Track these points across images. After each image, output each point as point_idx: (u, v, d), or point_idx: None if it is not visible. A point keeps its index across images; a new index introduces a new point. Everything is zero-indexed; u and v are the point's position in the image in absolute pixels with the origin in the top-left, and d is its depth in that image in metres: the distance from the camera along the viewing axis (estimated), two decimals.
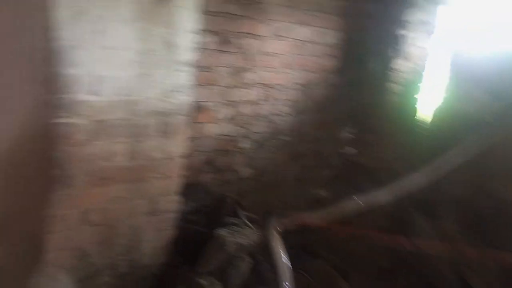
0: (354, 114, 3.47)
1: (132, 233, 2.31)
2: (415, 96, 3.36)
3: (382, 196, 2.63)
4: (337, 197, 3.48)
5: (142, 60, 2.01)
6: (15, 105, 1.89)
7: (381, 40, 3.28)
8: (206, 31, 2.61)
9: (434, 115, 3.12)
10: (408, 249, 2.75)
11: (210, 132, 2.97)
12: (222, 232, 2.56)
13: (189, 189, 2.67)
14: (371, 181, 3.38)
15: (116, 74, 1.96)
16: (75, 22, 1.78)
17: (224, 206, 2.91)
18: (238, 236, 2.59)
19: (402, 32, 3.20)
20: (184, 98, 2.22)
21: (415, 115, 3.35)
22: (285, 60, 3.08)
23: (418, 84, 3.35)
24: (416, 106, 3.36)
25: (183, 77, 2.17)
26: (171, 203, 2.41)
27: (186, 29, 2.12)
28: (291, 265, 2.42)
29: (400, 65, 3.27)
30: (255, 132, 3.16)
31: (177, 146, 2.30)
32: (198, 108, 2.77)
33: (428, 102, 3.32)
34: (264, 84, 3.05)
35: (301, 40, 3.10)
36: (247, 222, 2.75)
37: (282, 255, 2.41)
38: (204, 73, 2.71)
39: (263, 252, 2.54)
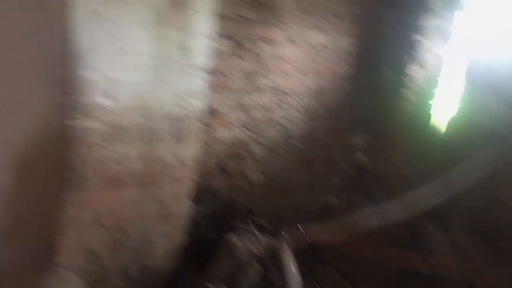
0: (366, 120, 3.47)
1: (143, 237, 2.33)
2: (430, 103, 3.35)
3: (395, 211, 2.61)
4: (349, 205, 3.51)
5: (157, 64, 2.03)
6: (31, 106, 1.92)
7: (396, 46, 3.27)
8: (220, 35, 2.63)
9: (449, 124, 3.10)
10: (421, 269, 2.73)
11: (222, 137, 2.98)
12: (232, 238, 2.57)
13: (200, 194, 2.69)
14: (383, 189, 3.38)
15: (131, 78, 1.98)
16: (92, 25, 1.81)
17: (235, 212, 2.92)
18: (248, 242, 2.60)
19: (418, 38, 3.20)
20: (198, 103, 2.24)
21: (429, 122, 3.34)
22: (298, 65, 3.09)
23: (433, 91, 3.34)
24: (430, 113, 3.35)
25: (197, 82, 2.19)
26: (182, 208, 2.42)
27: (201, 34, 2.14)
28: (300, 271, 2.43)
29: (415, 71, 3.27)
30: (266, 137, 3.17)
31: (190, 151, 2.32)
32: (211, 113, 2.79)
33: (443, 109, 3.30)
34: (276, 89, 3.07)
35: (314, 46, 3.11)
36: (257, 229, 2.76)
37: (293, 268, 2.43)
38: (217, 77, 2.73)
39: (273, 259, 2.55)
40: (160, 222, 2.36)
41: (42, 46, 1.86)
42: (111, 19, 1.84)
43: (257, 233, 2.69)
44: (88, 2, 1.77)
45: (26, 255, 2.12)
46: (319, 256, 3.01)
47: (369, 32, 3.26)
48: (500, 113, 2.63)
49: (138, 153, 2.14)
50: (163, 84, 2.08)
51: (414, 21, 3.18)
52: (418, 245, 2.87)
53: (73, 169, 2.00)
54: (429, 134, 3.28)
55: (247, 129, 3.07)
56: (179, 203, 2.41)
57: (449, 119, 3.09)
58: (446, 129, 3.12)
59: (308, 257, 2.86)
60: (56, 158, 2.00)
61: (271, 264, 2.54)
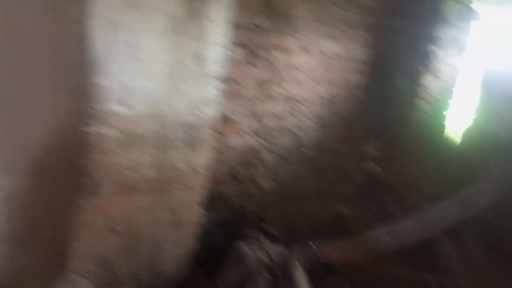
0: (379, 130, 3.47)
1: (155, 243, 2.36)
2: (444, 113, 3.34)
3: (410, 231, 2.60)
4: (361, 215, 3.51)
5: (172, 73, 2.07)
6: (48, 112, 1.97)
7: (410, 56, 3.28)
8: (234, 43, 2.67)
9: (463, 134, 3.10)
10: None
11: (234, 144, 3.01)
12: (243, 246, 2.58)
13: (212, 202, 2.71)
14: (395, 199, 3.37)
15: (146, 86, 2.02)
16: (108, 33, 1.85)
17: (246, 220, 2.94)
18: (258, 251, 2.62)
19: (432, 48, 3.20)
20: (211, 111, 2.27)
21: (443, 133, 3.34)
22: (311, 74, 3.11)
23: (447, 102, 3.33)
24: (444, 124, 3.35)
25: (211, 90, 2.22)
26: (194, 215, 2.45)
27: (216, 43, 2.17)
28: (311, 283, 2.43)
29: (429, 82, 3.27)
30: (279, 145, 3.19)
31: (202, 158, 2.35)
32: (223, 120, 2.82)
33: (457, 120, 3.30)
34: (289, 98, 3.09)
35: (328, 55, 3.13)
36: (268, 237, 2.78)
37: (303, 279, 2.43)
38: (230, 85, 2.76)
39: (283, 269, 2.56)
40: (172, 229, 2.38)
41: (59, 53, 1.90)
42: (127, 28, 1.88)
43: (267, 242, 2.70)
44: (106, 11, 1.81)
45: (40, 259, 2.15)
46: (331, 268, 3.01)
47: (383, 41, 3.28)
48: None
49: (152, 160, 2.18)
50: (177, 92, 2.12)
51: (428, 31, 3.18)
52: (433, 263, 2.85)
53: (88, 175, 2.04)
54: (443, 145, 3.28)
55: (260, 137, 3.09)
56: (191, 211, 2.43)
57: (463, 130, 3.08)
58: (461, 139, 3.11)
59: (319, 269, 2.87)
60: (71, 164, 2.04)
61: (281, 273, 2.54)
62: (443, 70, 3.24)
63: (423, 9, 3.18)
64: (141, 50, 1.94)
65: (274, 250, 2.65)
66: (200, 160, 2.36)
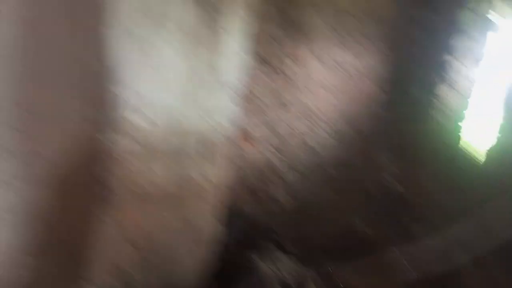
0: (398, 144, 3.46)
1: (170, 256, 2.36)
2: (460, 125, 3.32)
3: (430, 257, 2.55)
4: (379, 232, 3.46)
5: (187, 83, 2.11)
6: (66, 121, 2.01)
7: (427, 67, 3.27)
8: (252, 54, 2.71)
9: (482, 148, 3.06)
10: None
11: (251, 158, 3.03)
12: (259, 261, 2.58)
13: (228, 215, 2.72)
14: (415, 216, 3.32)
15: (162, 96, 2.06)
16: (126, 43, 1.90)
17: (262, 235, 2.93)
18: (274, 267, 2.60)
19: (449, 59, 3.20)
20: (229, 124, 2.30)
21: (460, 145, 3.30)
22: (330, 87, 3.14)
23: (464, 113, 3.31)
24: (461, 136, 3.32)
25: (227, 101, 2.25)
26: (211, 229, 2.46)
27: (232, 53, 2.21)
28: None
29: (446, 93, 3.26)
30: (297, 160, 3.20)
31: (219, 171, 2.36)
32: (242, 134, 2.85)
33: (475, 132, 3.27)
34: (307, 112, 3.11)
35: (346, 68, 3.16)
36: (285, 254, 2.76)
37: None
38: (248, 98, 2.80)
39: (299, 286, 2.54)
40: (188, 242, 2.39)
41: (77, 62, 1.95)
42: (144, 38, 1.93)
43: (283, 258, 2.69)
44: (123, 21, 1.87)
45: (57, 268, 2.18)
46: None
47: (400, 53, 3.29)
48: None
49: (169, 172, 2.20)
50: (192, 102, 2.15)
51: (445, 42, 3.19)
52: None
53: (104, 185, 2.08)
54: (462, 159, 3.24)
55: (277, 150, 3.11)
56: (207, 224, 2.44)
57: (482, 143, 3.05)
58: (479, 153, 3.07)
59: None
60: (88, 173, 2.07)
61: None
62: (459, 81, 3.24)
63: (440, 20, 3.19)
64: (158, 60, 2.00)
65: (289, 266, 2.63)
66: (216, 173, 2.38)
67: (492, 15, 3.08)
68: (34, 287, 2.12)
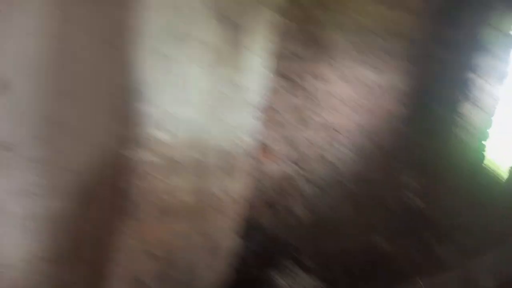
0: (419, 160, 3.47)
1: (190, 269, 2.42)
2: (484, 144, 3.31)
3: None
4: (400, 250, 3.46)
5: (212, 101, 2.18)
6: (93, 136, 2.11)
7: (450, 85, 3.27)
8: (274, 72, 2.77)
9: (504, 165, 3.05)
10: None
11: (271, 172, 3.08)
12: (276, 276, 2.62)
13: (247, 229, 2.77)
14: (437, 234, 3.32)
15: (186, 113, 2.13)
16: (152, 62, 1.99)
17: (280, 250, 2.97)
18: (291, 282, 2.64)
19: (472, 77, 3.21)
20: (249, 139, 2.36)
21: (484, 164, 3.29)
22: (350, 103, 3.17)
23: (487, 131, 3.30)
24: (484, 153, 3.31)
25: (250, 118, 2.32)
26: (229, 242, 2.51)
27: (255, 71, 2.28)
28: None
29: (469, 111, 3.26)
30: (315, 174, 3.24)
31: (239, 186, 2.42)
32: (261, 147, 2.90)
33: (498, 149, 3.26)
34: (327, 127, 3.15)
35: (368, 84, 3.18)
36: (302, 269, 2.80)
37: None
38: (269, 113, 2.85)
39: None
40: (207, 255, 2.45)
41: (105, 79, 2.05)
42: (171, 57, 2.01)
43: (301, 273, 2.72)
44: (151, 40, 1.95)
45: (76, 277, 2.26)
46: None
47: (423, 71, 3.31)
48: None
49: (190, 186, 2.27)
50: (217, 120, 2.22)
51: (468, 59, 3.20)
52: None
53: (128, 199, 2.15)
54: (484, 176, 3.23)
55: (296, 165, 3.15)
56: (226, 238, 2.50)
57: (505, 161, 3.04)
58: (502, 171, 3.06)
59: None
60: (112, 187, 2.16)
61: None
62: (483, 99, 3.24)
63: (463, 38, 3.20)
64: (184, 79, 2.07)
65: (307, 282, 2.66)
66: (237, 188, 2.44)
67: None
68: None
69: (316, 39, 2.89)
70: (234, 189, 2.43)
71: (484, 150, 3.29)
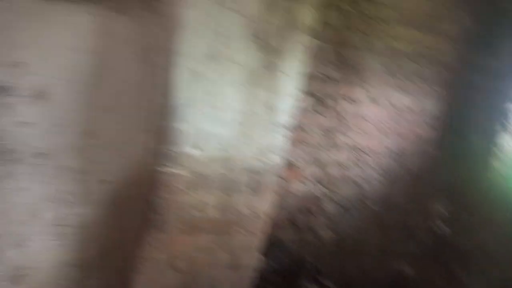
0: (450, 189, 3.48)
1: (212, 284, 2.52)
2: None
3: None
4: (424, 277, 3.47)
5: (243, 120, 2.29)
6: (127, 150, 2.24)
7: (486, 113, 3.30)
8: (305, 93, 2.86)
9: None
10: None
11: (295, 190, 3.14)
12: None
13: (270, 247, 2.85)
14: (463, 264, 3.32)
15: (219, 132, 2.25)
16: (190, 82, 2.11)
17: (302, 269, 3.04)
18: None
19: (509, 106, 3.21)
20: (277, 158, 2.46)
21: None
22: (380, 125, 3.22)
23: None
24: None
25: (279, 138, 2.42)
26: (252, 260, 2.60)
27: (287, 92, 2.38)
28: None
29: (506, 141, 3.27)
30: (341, 195, 3.29)
31: (265, 203, 2.52)
32: (288, 167, 2.98)
33: None
34: (355, 148, 3.20)
35: (398, 107, 3.23)
36: None
37: None
38: (298, 133, 2.93)
39: None
40: (229, 271, 2.54)
41: (143, 95, 2.19)
42: (207, 78, 2.14)
43: None
44: (189, 61, 2.08)
45: (101, 283, 2.39)
46: None
47: (457, 97, 3.34)
48: None
49: (217, 202, 2.38)
50: (247, 139, 2.33)
51: (505, 88, 3.21)
52: None
53: (156, 212, 2.27)
54: None
55: (322, 185, 3.21)
56: (249, 255, 2.59)
57: None
58: None
59: None
60: (142, 199, 2.28)
61: None
62: None
63: (500, 65, 3.23)
64: (218, 99, 2.20)
65: None
66: (262, 206, 2.53)
67: None
68: None
69: (348, 61, 2.97)
70: (260, 207, 2.53)
71: None
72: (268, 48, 2.27)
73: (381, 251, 3.50)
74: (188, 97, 2.13)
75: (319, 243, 3.31)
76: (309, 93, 2.89)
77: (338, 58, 2.92)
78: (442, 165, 3.43)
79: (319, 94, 2.95)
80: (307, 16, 2.37)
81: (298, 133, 2.94)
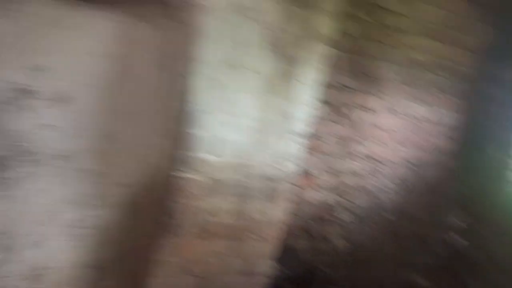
0: (467, 200, 3.48)
1: (223, 286, 2.57)
2: None
3: None
4: (436, 286, 3.46)
5: (260, 128, 2.34)
6: (145, 154, 2.31)
7: (503, 125, 3.30)
8: (321, 101, 2.89)
9: None
10: None
11: (310, 198, 3.17)
12: None
13: (283, 255, 2.89)
14: (477, 276, 3.31)
15: (235, 138, 2.30)
16: (208, 90, 2.17)
17: (315, 277, 3.06)
18: None
19: None
20: (293, 166, 2.50)
21: None
22: (397, 136, 3.23)
23: None
24: None
25: (294, 146, 2.46)
26: (265, 266, 2.63)
27: (304, 101, 2.43)
28: None
29: None
30: (356, 204, 3.30)
31: (279, 211, 2.56)
32: (303, 175, 3.01)
33: None
34: (371, 158, 3.22)
35: (416, 118, 3.24)
36: None
37: None
38: (314, 141, 2.97)
39: None
40: (242, 277, 2.58)
41: (163, 103, 2.26)
42: (225, 85, 2.20)
43: None
44: (208, 69, 2.14)
45: (115, 284, 2.45)
46: None
47: (475, 109, 3.34)
48: None
49: (231, 208, 2.42)
50: (262, 146, 2.38)
51: None
52: None
53: (171, 216, 2.33)
54: None
55: (336, 193, 3.23)
56: (262, 261, 2.62)
57: None
58: None
59: None
60: (158, 203, 2.34)
61: None
62: None
63: None
64: (235, 106, 2.25)
65: None
66: (276, 213, 2.57)
67: None
68: None
69: (365, 71, 3.00)
70: (274, 214, 2.57)
71: None
72: (286, 57, 2.33)
73: (395, 261, 3.50)
74: (206, 104, 2.19)
75: (332, 252, 3.33)
76: (326, 102, 2.92)
77: (355, 67, 2.96)
78: (458, 177, 3.43)
79: (335, 103, 2.98)
80: (325, 25, 2.42)
81: (314, 141, 2.98)
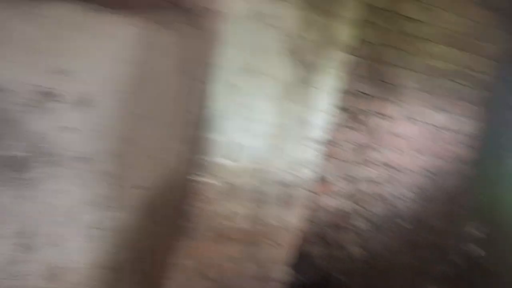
0: (485, 210, 3.46)
1: None
2: None
3: None
4: None
5: (276, 134, 2.38)
6: (162, 158, 2.37)
7: None
8: (339, 108, 2.92)
9: None
10: None
11: (325, 205, 3.19)
12: None
13: (298, 261, 2.91)
14: (491, 282, 3.29)
15: (252, 143, 2.34)
16: (226, 95, 2.22)
17: (330, 285, 3.08)
18: None
19: None
20: (309, 172, 2.53)
21: None
22: (415, 143, 3.24)
23: None
24: None
25: (311, 153, 2.49)
26: (280, 272, 2.65)
27: (321, 107, 2.45)
28: None
29: None
30: (372, 212, 3.31)
31: (295, 217, 2.58)
32: (320, 181, 3.04)
33: None
34: (388, 165, 3.23)
35: (435, 126, 3.24)
36: None
37: None
38: (330, 148, 2.99)
39: None
40: (256, 282, 2.60)
41: (181, 107, 2.31)
42: (243, 91, 2.24)
43: None
44: (227, 75, 2.19)
45: (130, 285, 2.50)
46: None
47: (495, 117, 3.33)
48: None
49: (247, 212, 2.45)
50: (279, 152, 2.41)
51: None
52: None
53: (187, 219, 2.37)
54: None
55: (353, 200, 3.24)
56: (277, 267, 2.64)
57: None
58: None
59: None
60: (175, 207, 2.39)
61: None
62: None
63: None
64: (253, 111, 2.29)
65: None
66: (292, 219, 2.60)
67: None
68: None
69: (384, 78, 3.02)
70: (289, 220, 2.59)
71: None
72: (304, 64, 2.36)
73: (412, 270, 3.49)
74: (224, 109, 2.23)
75: (348, 259, 3.34)
76: (343, 109, 2.95)
77: (374, 74, 2.98)
78: (477, 186, 3.42)
79: (353, 110, 3.00)
80: (344, 32, 2.45)
81: (331, 148, 3.00)
